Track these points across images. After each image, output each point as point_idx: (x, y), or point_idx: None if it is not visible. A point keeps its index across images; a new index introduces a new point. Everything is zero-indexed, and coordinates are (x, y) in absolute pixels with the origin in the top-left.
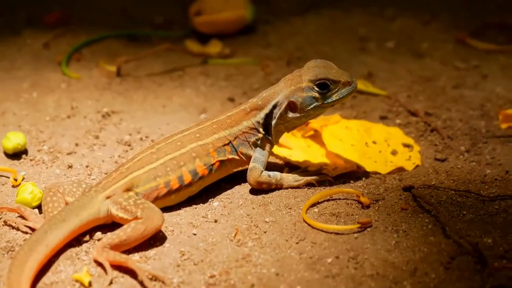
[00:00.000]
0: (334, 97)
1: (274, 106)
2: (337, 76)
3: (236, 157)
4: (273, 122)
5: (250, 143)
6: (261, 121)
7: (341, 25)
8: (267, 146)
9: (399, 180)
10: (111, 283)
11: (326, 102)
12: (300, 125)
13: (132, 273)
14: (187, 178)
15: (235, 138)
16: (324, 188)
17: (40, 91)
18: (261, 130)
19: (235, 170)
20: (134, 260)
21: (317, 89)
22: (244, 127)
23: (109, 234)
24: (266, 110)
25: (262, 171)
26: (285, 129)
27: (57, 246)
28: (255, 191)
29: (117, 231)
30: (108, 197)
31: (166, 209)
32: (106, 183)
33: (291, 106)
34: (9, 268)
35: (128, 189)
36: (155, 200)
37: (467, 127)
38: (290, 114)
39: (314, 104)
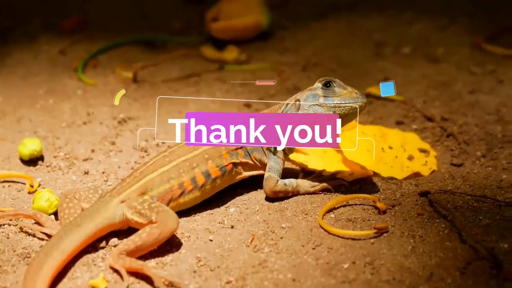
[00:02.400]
0: (336, 100)
1: (286, 106)
2: (346, 86)
3: (250, 161)
4: None
5: (264, 149)
6: None
7: (357, 30)
8: (281, 154)
9: (416, 185)
10: None
11: (326, 102)
12: None
13: (148, 280)
14: (200, 180)
15: None
16: (340, 194)
17: (56, 97)
18: None
19: (249, 175)
20: (150, 266)
21: (321, 87)
22: None
23: (124, 240)
24: (279, 112)
25: (278, 180)
26: None
27: (73, 252)
28: (272, 197)
29: (132, 237)
30: (122, 201)
31: (182, 215)
32: (120, 188)
33: (297, 107)
34: (25, 275)
35: (142, 193)
36: (170, 202)
37: (483, 132)
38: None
39: (314, 102)
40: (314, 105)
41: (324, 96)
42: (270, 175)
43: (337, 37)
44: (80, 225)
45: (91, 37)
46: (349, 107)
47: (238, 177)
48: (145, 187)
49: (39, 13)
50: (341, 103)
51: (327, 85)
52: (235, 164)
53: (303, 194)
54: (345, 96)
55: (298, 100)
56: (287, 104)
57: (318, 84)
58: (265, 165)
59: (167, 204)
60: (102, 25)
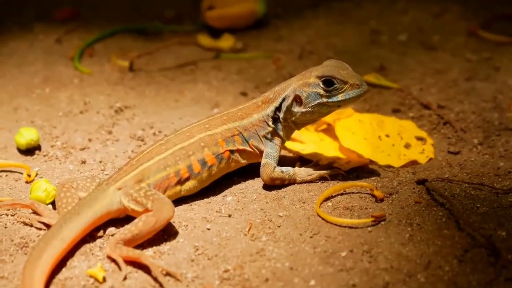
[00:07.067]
0: (340, 97)
1: (283, 100)
2: (346, 77)
3: (248, 148)
4: (281, 115)
5: (260, 136)
6: (270, 114)
7: (352, 18)
8: (278, 141)
9: (413, 173)
10: (125, 278)
11: (330, 100)
12: (308, 123)
13: (145, 269)
14: (196, 167)
15: (245, 130)
16: (338, 182)
17: (52, 86)
18: (270, 123)
19: (246, 162)
20: (147, 255)
21: (322, 85)
22: (254, 120)
23: (121, 229)
24: (276, 104)
25: (275, 167)
26: (294, 125)
27: (73, 241)
28: (269, 185)
29: (129, 226)
30: (119, 189)
31: (179, 204)
32: (117, 176)
33: (297, 100)
34: (24, 264)
35: (139, 181)
36: (166, 190)
37: (480, 119)
38: (296, 109)
39: (318, 101)
40: (319, 103)
41: (328, 96)
42: (268, 161)
43: (331, 25)
44: (79, 214)
45: (85, 26)
46: (353, 100)
47: (235, 165)
48: (142, 174)
49: (32, 3)
50: (345, 99)
51: (328, 84)
52: (231, 152)
53: (300, 182)
54: (348, 90)
55: (298, 96)
56: (284, 98)
57: (316, 81)
58: (262, 152)
59: (164, 192)
60: (95, 14)
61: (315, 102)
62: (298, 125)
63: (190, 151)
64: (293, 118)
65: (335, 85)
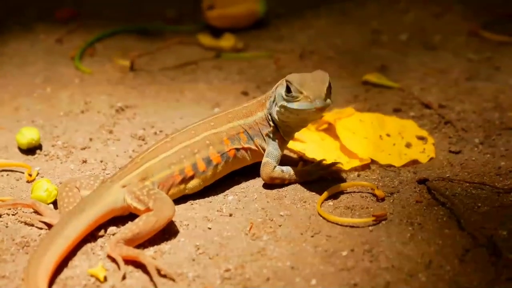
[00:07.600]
0: (295, 105)
1: (271, 97)
2: (303, 87)
3: (253, 146)
4: (271, 110)
5: (264, 135)
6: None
7: (353, 18)
8: (280, 140)
9: (414, 172)
10: (124, 277)
11: (289, 105)
12: (294, 124)
13: (145, 268)
14: (201, 166)
15: (250, 128)
16: (339, 182)
17: (53, 86)
18: (271, 122)
19: (251, 161)
20: (146, 254)
21: (285, 89)
22: (258, 118)
23: (122, 228)
24: (272, 99)
25: (275, 166)
26: (283, 124)
27: (77, 238)
28: (269, 184)
29: (129, 225)
30: (124, 186)
31: (180, 203)
32: (121, 174)
33: (274, 98)
34: (28, 261)
35: (143, 179)
36: (171, 188)
37: (481, 119)
38: (274, 108)
39: (282, 103)
40: (282, 105)
41: (287, 100)
42: (268, 160)
43: (332, 25)
44: (83, 211)
45: (86, 26)
46: (307, 112)
47: (240, 163)
48: (146, 172)
49: (32, 3)
50: (296, 108)
51: (287, 88)
52: (237, 150)
53: (300, 182)
54: (303, 101)
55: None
56: (271, 95)
57: (284, 83)
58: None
59: (168, 190)
60: (96, 14)
61: (280, 103)
62: (288, 126)
63: (195, 149)
64: (276, 117)
65: (292, 92)
